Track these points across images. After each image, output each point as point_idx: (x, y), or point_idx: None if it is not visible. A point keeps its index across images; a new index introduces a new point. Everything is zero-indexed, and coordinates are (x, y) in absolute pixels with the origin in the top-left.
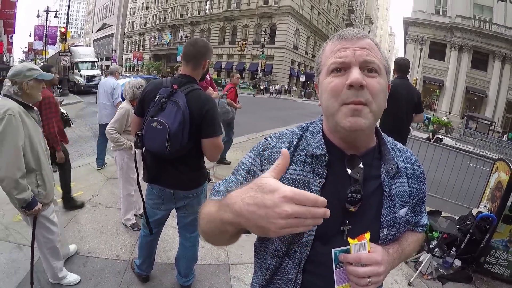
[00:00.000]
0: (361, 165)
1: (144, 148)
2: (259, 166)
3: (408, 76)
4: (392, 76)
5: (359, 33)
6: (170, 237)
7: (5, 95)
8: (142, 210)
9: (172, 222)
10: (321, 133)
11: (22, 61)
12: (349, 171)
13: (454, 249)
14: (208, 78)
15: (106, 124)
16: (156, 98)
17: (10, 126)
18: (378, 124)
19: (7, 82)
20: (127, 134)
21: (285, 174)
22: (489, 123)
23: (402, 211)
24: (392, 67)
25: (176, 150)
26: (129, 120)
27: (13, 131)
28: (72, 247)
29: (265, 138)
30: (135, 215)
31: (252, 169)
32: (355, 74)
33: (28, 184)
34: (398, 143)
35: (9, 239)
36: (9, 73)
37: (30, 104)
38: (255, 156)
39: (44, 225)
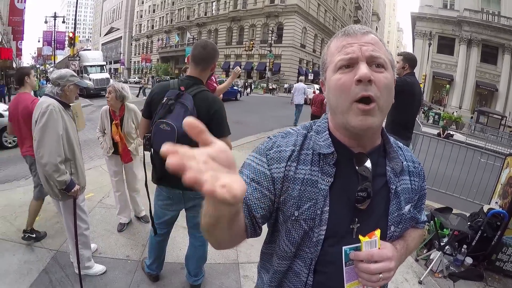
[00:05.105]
0: (369, 162)
1: (152, 150)
2: (266, 165)
3: (415, 71)
4: (401, 72)
5: (363, 28)
6: (179, 236)
7: (46, 95)
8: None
9: (181, 222)
10: (327, 132)
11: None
12: (357, 169)
13: (465, 246)
14: (214, 79)
15: (298, 104)
16: (164, 100)
17: (51, 119)
18: (389, 121)
19: (49, 84)
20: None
21: (294, 174)
22: (500, 117)
23: (406, 208)
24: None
25: None
26: (104, 121)
27: (54, 122)
28: (93, 246)
29: (268, 137)
30: (140, 218)
31: (258, 169)
32: (363, 69)
33: None
34: (398, 142)
35: (22, 240)
36: (53, 75)
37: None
38: (260, 156)
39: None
